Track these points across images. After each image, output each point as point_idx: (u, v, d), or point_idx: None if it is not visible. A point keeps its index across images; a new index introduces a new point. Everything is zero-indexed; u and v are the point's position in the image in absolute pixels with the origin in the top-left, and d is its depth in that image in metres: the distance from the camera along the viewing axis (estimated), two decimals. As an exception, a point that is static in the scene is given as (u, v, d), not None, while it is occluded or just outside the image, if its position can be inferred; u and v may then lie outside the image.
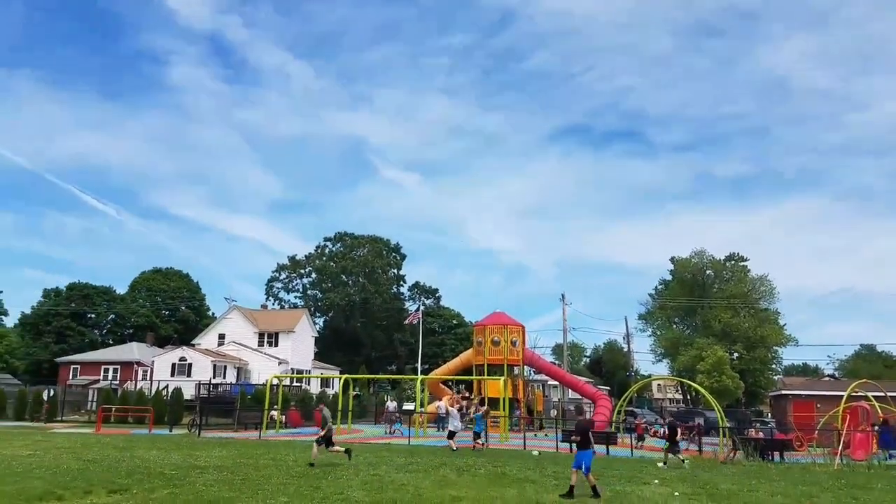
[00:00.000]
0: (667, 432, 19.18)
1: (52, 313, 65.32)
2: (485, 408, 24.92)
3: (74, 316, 66.34)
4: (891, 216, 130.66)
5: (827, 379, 56.52)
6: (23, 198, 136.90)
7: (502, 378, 31.08)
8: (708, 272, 68.32)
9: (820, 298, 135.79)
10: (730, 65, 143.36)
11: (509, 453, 20.02)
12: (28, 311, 68.67)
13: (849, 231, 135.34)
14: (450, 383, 45.25)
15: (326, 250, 78.17)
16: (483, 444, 21.86)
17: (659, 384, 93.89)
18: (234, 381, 47.50)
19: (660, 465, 17.83)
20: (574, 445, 11.21)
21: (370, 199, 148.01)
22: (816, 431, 25.71)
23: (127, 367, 51.76)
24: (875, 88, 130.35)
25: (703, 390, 31.10)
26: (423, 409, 32.05)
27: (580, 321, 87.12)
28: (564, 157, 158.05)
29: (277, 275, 77.59)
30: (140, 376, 49.33)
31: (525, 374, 42.49)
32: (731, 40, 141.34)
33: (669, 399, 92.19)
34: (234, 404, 34.93)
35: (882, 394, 26.25)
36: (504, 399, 28.94)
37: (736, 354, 61.83)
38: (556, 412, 42.30)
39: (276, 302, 75.14)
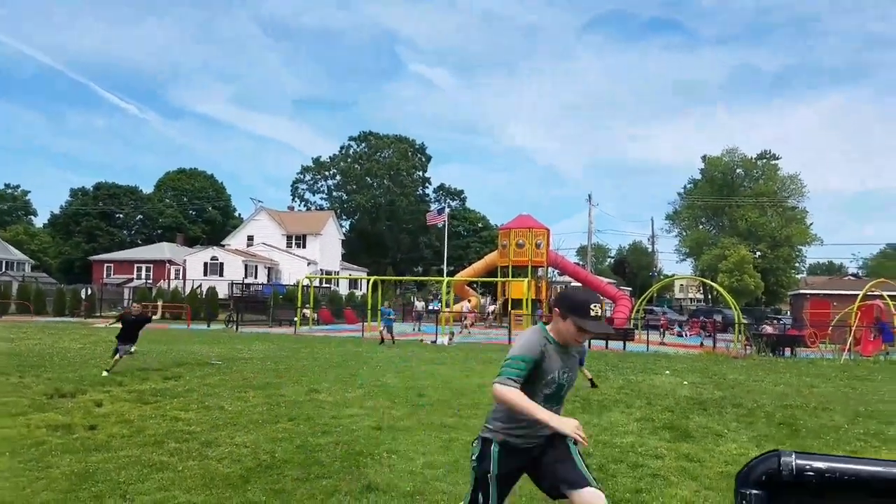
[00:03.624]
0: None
1: (81, 213, 67.28)
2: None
3: (103, 216, 68.29)
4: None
5: (849, 278, 56.67)
6: (44, 95, 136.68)
7: (526, 280, 31.95)
8: (738, 171, 67.41)
9: (852, 198, 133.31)
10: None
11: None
12: (57, 210, 71.13)
13: (889, 131, 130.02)
14: (474, 285, 46.48)
15: (351, 151, 78.15)
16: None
17: (682, 284, 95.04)
18: (265, 281, 49.36)
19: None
20: None
21: (398, 97, 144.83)
22: (830, 328, 26.33)
23: (159, 266, 53.84)
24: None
25: (721, 289, 31.73)
26: (448, 309, 33.33)
27: (607, 223, 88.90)
28: (601, 51, 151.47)
29: (302, 176, 78.34)
30: (172, 275, 51.36)
31: (549, 275, 43.42)
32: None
33: (691, 298, 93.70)
34: (267, 303, 36.61)
35: (899, 293, 26.56)
36: (527, 299, 29.98)
37: (759, 254, 62.02)
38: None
39: (302, 203, 76.36)
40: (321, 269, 52.78)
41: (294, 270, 50.09)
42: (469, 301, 39.42)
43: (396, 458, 6.09)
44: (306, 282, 34.47)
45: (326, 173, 78.01)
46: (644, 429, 7.91)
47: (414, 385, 11.12)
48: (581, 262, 61.24)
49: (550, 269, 43.58)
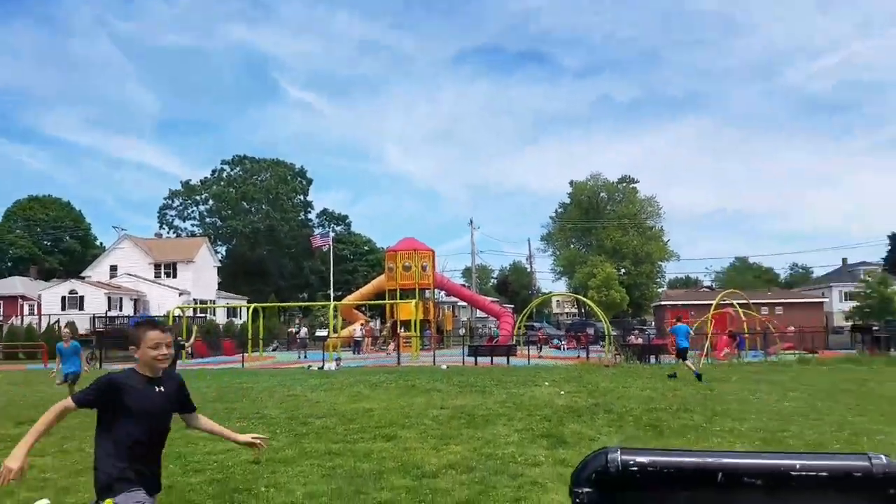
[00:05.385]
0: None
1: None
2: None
3: (-55, 249, 61.04)
4: (771, 139, 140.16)
5: (704, 290, 62.04)
6: None
7: (413, 301, 32.18)
8: (602, 194, 72.24)
9: (702, 216, 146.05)
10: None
11: (420, 369, 21.18)
12: None
13: (731, 153, 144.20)
14: (363, 308, 46.09)
15: (224, 174, 74.95)
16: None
17: (558, 300, 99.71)
18: (131, 313, 46.14)
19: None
20: None
21: (272, 120, 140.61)
22: (689, 336, 28.61)
23: (10, 301, 48.93)
24: (757, 14, 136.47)
25: (592, 304, 33.66)
26: (336, 335, 32.89)
27: (488, 244, 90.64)
28: (473, 80, 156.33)
29: (170, 201, 74.03)
30: (26, 311, 46.94)
31: (435, 296, 43.96)
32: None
33: (567, 313, 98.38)
34: (134, 336, 34.14)
35: (745, 301, 29.54)
36: (415, 321, 30.19)
37: (623, 270, 66.52)
38: (464, 330, 44.35)
39: (172, 230, 72.22)
40: (195, 299, 50.03)
41: (164, 301, 47.09)
42: (361, 325, 39.12)
43: (275, 491, 5.94)
44: (178, 312, 32.59)
45: (198, 198, 74.21)
46: (524, 438, 8.25)
47: (297, 414, 10.85)
48: (466, 284, 62.57)
49: (437, 291, 44.17)
